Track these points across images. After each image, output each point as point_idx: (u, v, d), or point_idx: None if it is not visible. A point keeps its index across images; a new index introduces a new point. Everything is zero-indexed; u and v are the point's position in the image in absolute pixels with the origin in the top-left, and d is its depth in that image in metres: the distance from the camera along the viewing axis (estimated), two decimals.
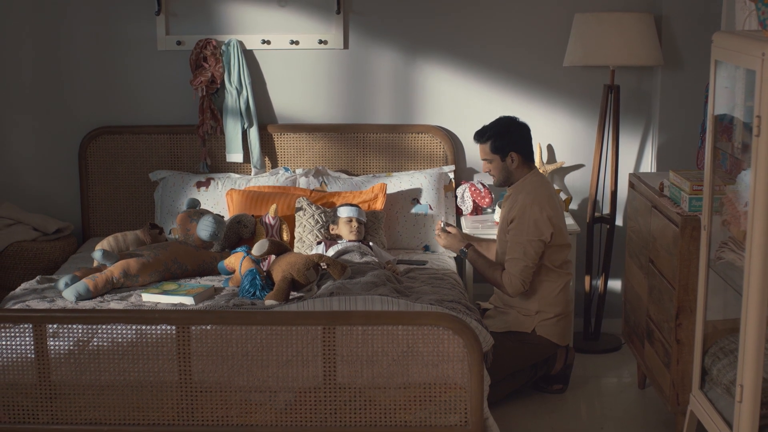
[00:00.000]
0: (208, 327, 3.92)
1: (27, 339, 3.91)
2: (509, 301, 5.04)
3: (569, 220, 5.65)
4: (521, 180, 4.99)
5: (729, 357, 3.76)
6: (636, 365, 5.30)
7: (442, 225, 5.16)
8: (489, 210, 5.86)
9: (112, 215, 5.99)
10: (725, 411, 3.69)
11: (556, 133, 5.91)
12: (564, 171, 5.95)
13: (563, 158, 5.92)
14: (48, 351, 3.88)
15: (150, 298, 4.69)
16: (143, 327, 3.91)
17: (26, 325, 3.92)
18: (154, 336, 3.90)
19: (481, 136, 5.01)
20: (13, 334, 3.95)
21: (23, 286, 4.92)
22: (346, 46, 5.89)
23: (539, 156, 5.81)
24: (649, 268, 4.79)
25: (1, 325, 3.98)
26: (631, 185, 5.20)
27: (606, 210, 5.83)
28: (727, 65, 3.72)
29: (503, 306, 5.08)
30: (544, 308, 4.98)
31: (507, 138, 4.96)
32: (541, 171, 5.75)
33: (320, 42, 5.87)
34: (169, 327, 3.89)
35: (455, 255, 5.01)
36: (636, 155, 5.88)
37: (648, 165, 5.87)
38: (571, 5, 5.74)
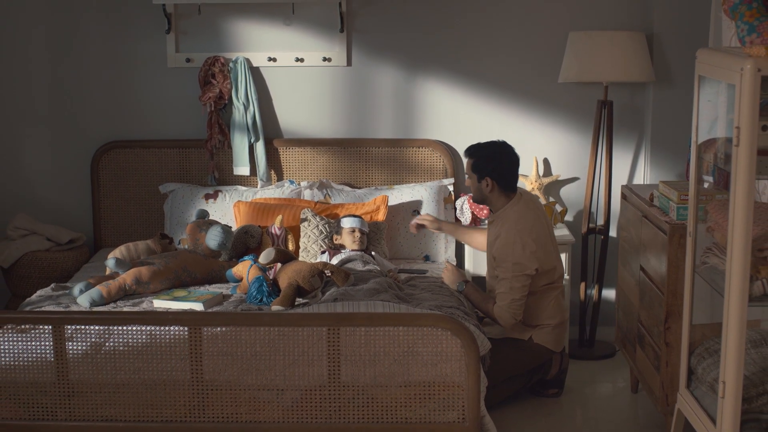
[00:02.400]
0: (219, 329, 4.07)
1: (46, 341, 4.06)
2: None
3: (564, 231, 5.82)
4: (502, 210, 5.11)
5: (713, 357, 3.93)
6: (629, 371, 5.46)
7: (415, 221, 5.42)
8: (487, 221, 6.01)
9: (123, 226, 6.10)
10: (710, 408, 3.85)
11: (552, 147, 6.05)
12: (559, 184, 6.09)
13: (559, 171, 6.08)
14: (66, 351, 4.04)
15: (161, 305, 4.81)
16: (157, 328, 4.05)
17: (45, 328, 4.08)
18: (167, 337, 4.06)
19: (468, 150, 5.18)
20: (32, 337, 4.11)
21: (39, 293, 5.06)
22: (349, 63, 6.03)
23: (535, 169, 5.97)
24: (640, 276, 4.97)
25: (23, 327, 4.16)
26: (624, 196, 5.36)
27: (600, 221, 5.97)
28: (711, 80, 3.90)
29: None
30: (543, 321, 5.13)
31: (487, 162, 5.09)
32: (536, 184, 5.93)
33: (324, 59, 6.00)
34: (181, 328, 4.03)
35: (454, 288, 5.17)
36: (629, 168, 6.03)
37: (641, 177, 6.00)
38: (566, 24, 5.89)
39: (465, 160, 5.20)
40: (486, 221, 6.00)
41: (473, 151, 5.15)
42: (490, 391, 4.84)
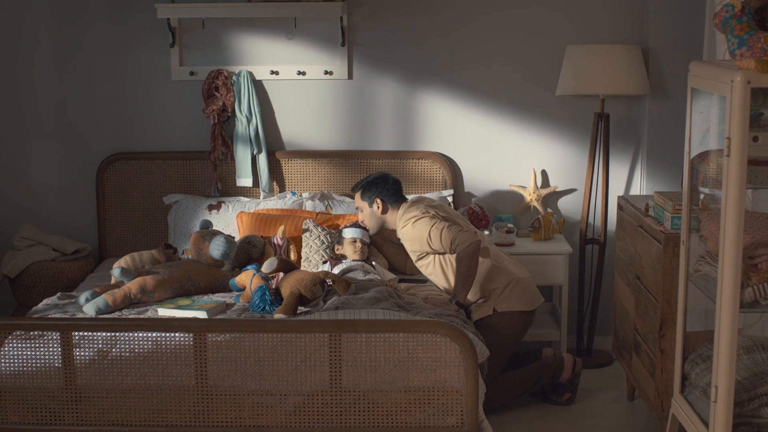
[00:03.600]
0: (223, 335, 4.15)
1: (53, 348, 4.14)
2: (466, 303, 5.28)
3: (562, 242, 5.91)
4: (397, 219, 5.38)
5: (706, 362, 4.01)
6: (625, 379, 5.54)
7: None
8: (486, 231, 6.07)
9: (127, 237, 6.18)
10: (703, 412, 3.93)
11: (550, 158, 6.13)
12: (557, 195, 6.18)
13: (556, 183, 6.16)
14: (74, 358, 4.12)
15: (166, 313, 4.87)
16: (162, 335, 4.13)
17: (53, 335, 4.17)
18: (172, 344, 4.14)
19: (353, 189, 5.52)
20: (41, 344, 4.20)
21: (45, 302, 5.13)
22: (350, 76, 6.11)
23: (533, 181, 6.06)
24: (635, 284, 5.05)
25: (31, 334, 4.25)
26: (620, 207, 5.45)
27: (597, 232, 6.06)
28: (703, 92, 3.99)
29: (489, 290, 5.29)
30: (490, 286, 5.22)
31: (370, 187, 5.39)
32: (534, 195, 6.02)
33: (326, 73, 6.09)
34: (186, 335, 4.12)
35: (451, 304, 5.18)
36: (626, 179, 6.11)
37: (637, 188, 6.08)
38: (563, 38, 5.98)
39: (354, 200, 5.52)
40: (485, 231, 6.07)
41: (356, 186, 5.50)
42: (492, 386, 4.97)
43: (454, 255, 5.15)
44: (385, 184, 5.41)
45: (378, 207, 5.40)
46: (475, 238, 5.08)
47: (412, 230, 5.23)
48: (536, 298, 5.36)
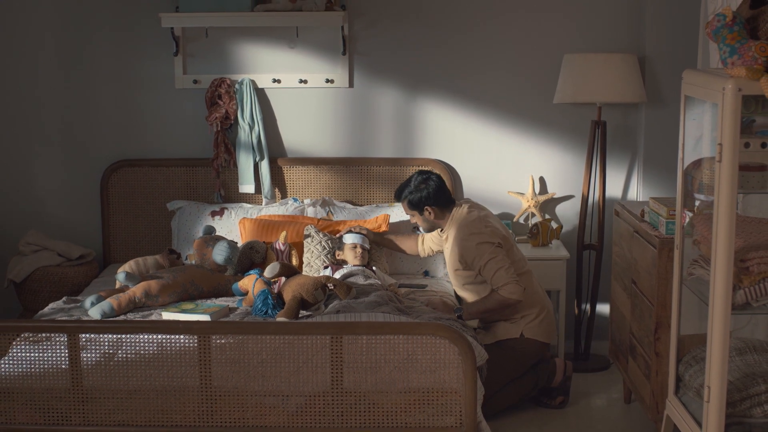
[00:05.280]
0: (224, 339, 4.22)
1: (61, 350, 4.22)
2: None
3: (559, 248, 5.99)
4: (449, 219, 5.37)
5: (700, 364, 4.08)
6: (622, 383, 5.61)
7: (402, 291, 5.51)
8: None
9: (131, 242, 6.24)
10: (696, 413, 4.01)
11: (547, 166, 6.20)
12: (555, 201, 6.24)
13: (554, 189, 6.23)
14: (80, 359, 4.20)
15: (170, 317, 4.93)
16: (166, 338, 4.21)
17: (61, 338, 4.24)
18: (176, 346, 4.21)
19: (396, 196, 5.46)
20: (48, 346, 4.27)
21: (51, 305, 5.20)
22: (351, 84, 6.18)
23: (531, 188, 6.13)
24: (631, 289, 5.13)
25: (39, 336, 4.33)
26: (616, 213, 5.52)
27: (594, 237, 6.13)
28: (697, 100, 4.07)
29: (489, 323, 5.37)
30: (526, 311, 5.27)
31: (417, 194, 5.34)
32: (533, 202, 6.09)
33: (327, 81, 6.16)
34: (191, 338, 4.19)
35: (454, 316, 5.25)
36: (622, 185, 6.18)
37: (633, 194, 6.16)
38: (561, 47, 6.05)
39: (401, 206, 5.50)
40: None
41: (400, 193, 5.43)
42: (493, 399, 5.02)
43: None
44: (429, 190, 5.34)
45: (430, 214, 5.38)
46: (520, 294, 5.14)
47: (472, 249, 5.20)
48: (555, 333, 5.44)
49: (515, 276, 5.15)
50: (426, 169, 5.76)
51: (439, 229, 5.49)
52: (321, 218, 5.98)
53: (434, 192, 5.35)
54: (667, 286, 4.60)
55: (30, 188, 6.33)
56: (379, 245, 5.82)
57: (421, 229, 5.54)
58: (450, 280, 5.55)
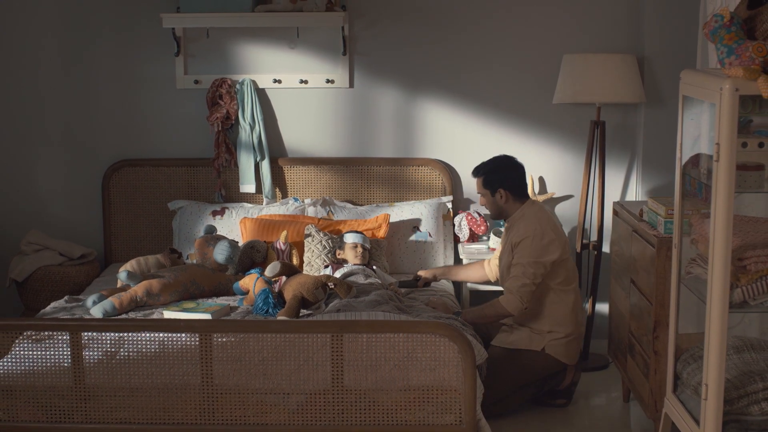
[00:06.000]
0: (225, 338, 4.25)
1: (63, 348, 4.24)
2: (522, 321, 5.26)
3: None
4: (518, 211, 5.26)
5: (698, 362, 4.10)
6: (621, 381, 5.63)
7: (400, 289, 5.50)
8: (484, 237, 6.16)
9: (132, 242, 6.27)
10: (694, 410, 4.03)
11: (547, 165, 6.23)
12: (554, 201, 6.27)
13: (553, 189, 6.25)
14: (83, 357, 4.23)
15: (171, 316, 4.96)
16: (168, 336, 4.23)
17: (63, 336, 4.27)
18: (178, 344, 4.24)
19: (476, 170, 5.33)
20: (50, 344, 4.31)
21: (53, 305, 5.24)
22: (351, 85, 6.21)
23: (531, 188, 6.15)
24: (630, 288, 5.16)
25: (41, 334, 4.36)
26: (615, 213, 5.54)
27: (593, 237, 6.16)
28: (694, 100, 4.10)
29: (516, 324, 5.30)
30: (555, 328, 5.21)
31: (496, 175, 5.26)
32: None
33: (327, 81, 6.19)
34: (192, 336, 4.22)
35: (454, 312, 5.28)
36: (621, 185, 6.21)
37: (633, 194, 6.19)
38: (560, 47, 6.07)
39: (475, 181, 5.34)
40: (483, 237, 6.18)
41: (481, 169, 5.31)
42: (502, 402, 5.08)
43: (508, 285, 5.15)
44: (510, 173, 5.26)
45: (501, 197, 5.26)
46: (518, 312, 5.09)
47: (538, 239, 5.11)
48: (577, 355, 5.35)
49: (526, 295, 5.07)
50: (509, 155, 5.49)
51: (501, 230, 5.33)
52: (321, 218, 6.01)
53: (514, 177, 5.27)
54: (666, 285, 4.62)
55: (32, 188, 6.36)
56: (449, 280, 5.82)
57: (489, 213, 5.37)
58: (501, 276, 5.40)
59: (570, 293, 5.23)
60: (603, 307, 6.24)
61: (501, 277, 5.38)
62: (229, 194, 6.28)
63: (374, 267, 5.63)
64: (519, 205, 5.28)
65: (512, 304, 5.11)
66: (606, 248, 6.16)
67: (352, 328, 4.15)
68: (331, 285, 5.05)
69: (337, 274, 5.48)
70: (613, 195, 6.18)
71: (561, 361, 5.26)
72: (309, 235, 5.77)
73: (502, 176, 5.26)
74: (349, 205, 6.17)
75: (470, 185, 6.24)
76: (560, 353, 5.24)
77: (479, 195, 5.37)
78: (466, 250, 6.01)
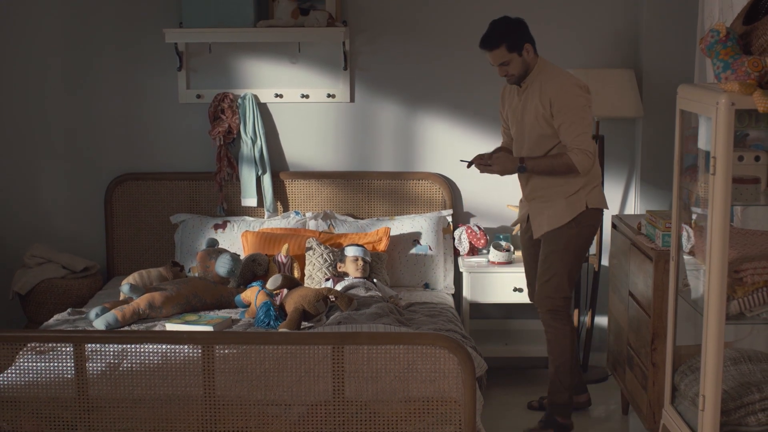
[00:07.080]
0: (227, 349, 4.29)
1: (66, 360, 4.26)
2: (549, 196, 5.13)
3: None
4: (536, 68, 5.08)
5: (695, 373, 4.14)
6: (620, 394, 5.67)
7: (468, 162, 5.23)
8: (484, 251, 6.19)
9: (135, 255, 6.30)
10: (692, 422, 4.06)
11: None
12: None
13: None
14: (86, 369, 4.26)
15: (173, 328, 5.01)
16: (171, 348, 4.27)
17: (67, 347, 4.30)
18: (181, 356, 4.27)
19: (491, 42, 5.03)
20: (54, 356, 4.33)
21: (56, 317, 5.29)
22: (352, 99, 6.25)
23: None
24: (628, 300, 5.20)
25: (45, 346, 4.39)
26: (614, 226, 5.59)
27: (593, 250, 6.17)
28: (692, 114, 4.15)
29: (547, 201, 5.15)
30: (590, 181, 5.10)
31: (516, 34, 5.03)
32: None
33: (328, 96, 6.23)
34: (195, 348, 4.24)
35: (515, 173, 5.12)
36: (620, 199, 6.25)
37: (631, 208, 6.23)
38: (559, 62, 6.01)
39: (491, 54, 5.05)
40: (483, 250, 6.20)
41: (495, 37, 5.02)
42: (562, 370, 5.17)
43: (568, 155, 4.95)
44: (521, 26, 5.04)
45: (528, 52, 5.03)
46: (587, 170, 4.96)
47: (573, 99, 4.96)
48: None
49: (593, 145, 4.96)
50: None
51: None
52: (322, 231, 6.04)
53: (525, 28, 5.06)
54: (664, 298, 4.66)
55: (35, 201, 6.40)
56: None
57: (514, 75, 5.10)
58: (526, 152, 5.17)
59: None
60: (602, 320, 6.26)
61: (530, 141, 5.15)
62: (230, 208, 6.31)
63: (375, 280, 5.67)
64: (536, 57, 5.12)
65: (585, 162, 4.94)
66: (605, 261, 6.18)
67: (353, 340, 4.18)
68: (332, 298, 5.09)
69: (338, 287, 5.51)
70: (611, 208, 6.21)
71: (600, 209, 5.18)
72: (310, 249, 5.81)
73: (520, 32, 5.05)
74: (350, 219, 6.20)
75: (470, 199, 6.29)
76: (599, 201, 5.16)
77: (499, 67, 5.09)
78: (466, 264, 6.03)
